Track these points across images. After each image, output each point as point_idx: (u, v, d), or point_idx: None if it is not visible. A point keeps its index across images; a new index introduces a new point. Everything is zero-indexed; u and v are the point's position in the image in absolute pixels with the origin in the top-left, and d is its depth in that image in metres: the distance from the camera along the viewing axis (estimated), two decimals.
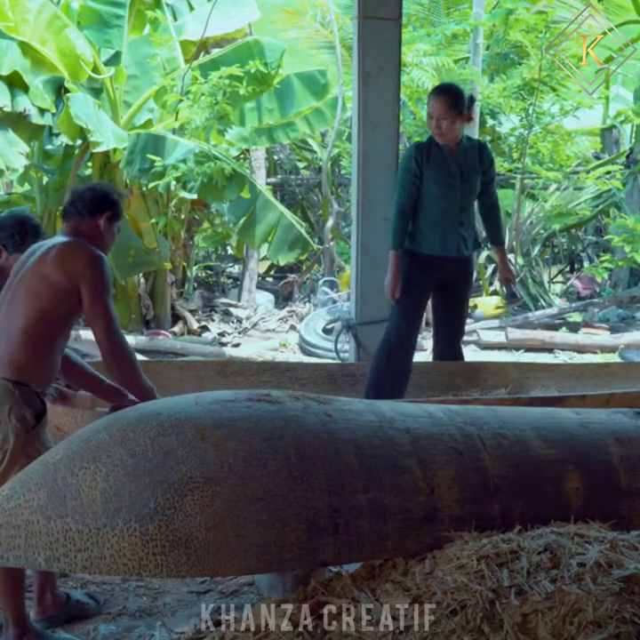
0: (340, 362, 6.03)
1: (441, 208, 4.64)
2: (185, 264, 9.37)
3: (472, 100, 4.71)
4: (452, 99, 4.51)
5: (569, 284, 10.77)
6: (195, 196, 7.87)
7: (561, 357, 7.68)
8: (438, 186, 4.60)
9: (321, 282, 9.30)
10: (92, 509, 2.24)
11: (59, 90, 7.64)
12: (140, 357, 6.64)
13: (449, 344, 4.93)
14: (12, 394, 2.72)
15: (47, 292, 2.77)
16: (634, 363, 5.81)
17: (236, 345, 7.95)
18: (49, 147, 8.51)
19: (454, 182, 4.62)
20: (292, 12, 11.30)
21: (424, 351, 6.74)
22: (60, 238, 2.91)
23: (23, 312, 2.77)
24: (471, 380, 4.91)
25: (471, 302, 7.53)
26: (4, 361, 2.75)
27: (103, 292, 2.81)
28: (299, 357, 7.48)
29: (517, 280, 9.56)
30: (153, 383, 3.02)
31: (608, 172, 9.60)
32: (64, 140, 7.64)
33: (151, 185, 7.48)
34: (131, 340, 7.56)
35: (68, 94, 7.29)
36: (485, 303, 9.09)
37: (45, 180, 8.59)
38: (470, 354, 6.37)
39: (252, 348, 7.69)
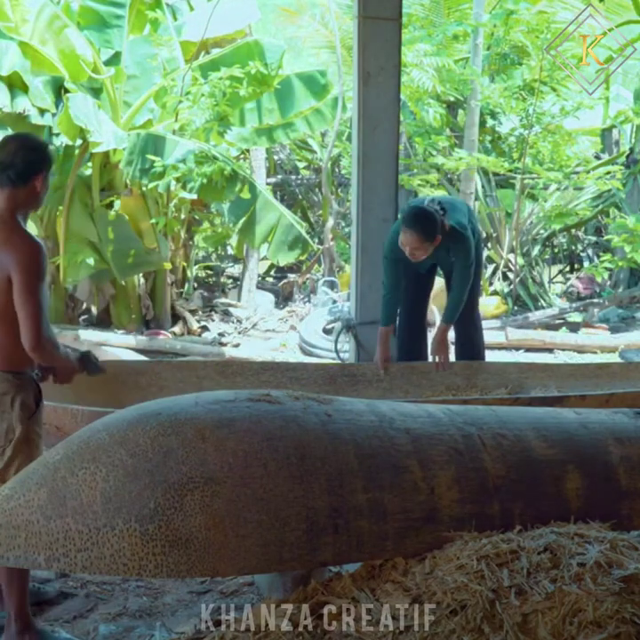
0: (340, 362, 6.03)
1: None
2: (185, 264, 9.37)
3: (444, 210, 4.60)
4: (424, 232, 4.43)
5: (569, 284, 10.77)
6: (195, 197, 7.87)
7: (561, 357, 7.67)
8: (413, 275, 4.94)
9: (321, 282, 9.29)
10: (91, 509, 2.24)
11: (59, 90, 7.63)
12: (140, 358, 6.67)
13: (460, 342, 5.21)
14: (13, 383, 2.74)
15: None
16: (634, 363, 5.80)
17: (236, 345, 7.95)
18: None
19: (427, 273, 5.03)
20: (292, 11, 11.31)
21: None
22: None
23: None
24: (471, 379, 4.92)
25: None
26: None
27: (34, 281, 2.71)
28: (299, 357, 7.48)
29: (517, 280, 9.58)
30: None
31: (608, 173, 9.60)
32: (64, 140, 7.63)
33: (151, 185, 7.48)
34: (131, 340, 7.57)
35: (68, 94, 7.28)
36: (485, 303, 9.09)
37: None
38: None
39: (252, 348, 7.69)
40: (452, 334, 5.16)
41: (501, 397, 4.32)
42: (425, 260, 4.66)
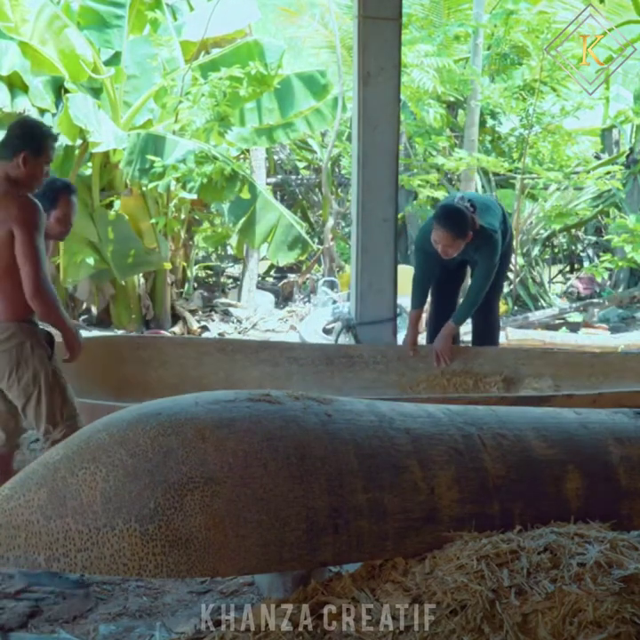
0: (336, 343, 6.00)
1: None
2: (185, 264, 9.36)
3: (474, 207, 4.63)
4: (455, 230, 4.49)
5: (569, 284, 10.77)
6: (195, 197, 7.87)
7: None
8: (443, 269, 4.94)
9: (321, 282, 9.29)
10: (91, 509, 2.24)
11: (59, 90, 7.63)
12: None
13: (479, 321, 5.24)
14: (27, 330, 3.05)
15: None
16: (630, 353, 5.76)
17: None
18: None
19: (457, 267, 5.02)
20: (292, 11, 11.30)
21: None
22: None
23: None
24: (467, 364, 4.93)
25: None
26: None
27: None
28: None
29: (517, 280, 9.58)
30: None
31: (608, 173, 9.59)
32: (64, 140, 7.63)
33: (151, 185, 7.48)
34: None
35: (68, 94, 7.28)
36: None
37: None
38: None
39: None
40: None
41: (487, 396, 4.30)
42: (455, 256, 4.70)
